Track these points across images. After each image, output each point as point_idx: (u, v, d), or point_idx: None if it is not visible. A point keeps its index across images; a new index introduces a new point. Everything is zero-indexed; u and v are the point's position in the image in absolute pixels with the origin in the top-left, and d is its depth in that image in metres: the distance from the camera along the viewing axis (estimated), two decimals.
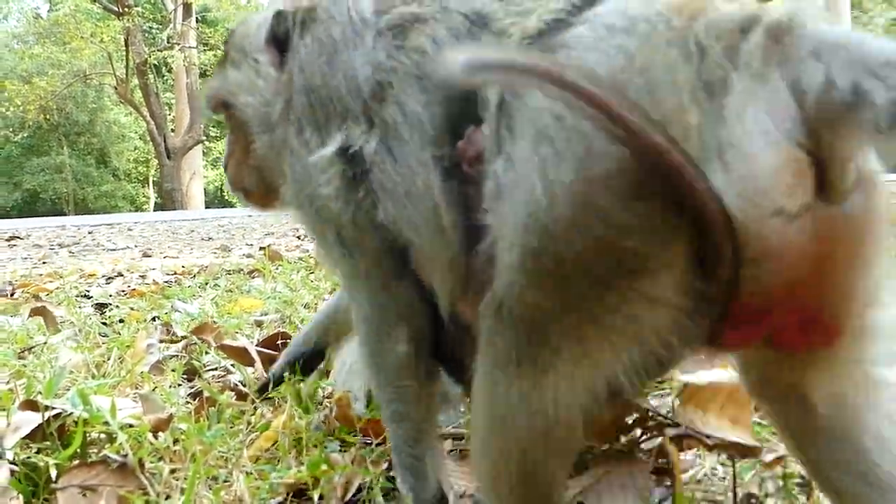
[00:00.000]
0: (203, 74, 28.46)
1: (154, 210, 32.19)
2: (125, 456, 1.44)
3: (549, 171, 0.90)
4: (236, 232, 10.64)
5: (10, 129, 29.49)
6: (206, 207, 27.45)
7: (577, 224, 0.88)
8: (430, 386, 1.35)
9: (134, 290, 4.46)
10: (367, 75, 1.23)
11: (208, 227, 12.14)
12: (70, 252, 8.42)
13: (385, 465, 1.59)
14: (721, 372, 1.65)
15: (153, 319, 3.35)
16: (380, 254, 1.28)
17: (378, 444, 1.63)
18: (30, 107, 28.43)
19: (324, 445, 1.61)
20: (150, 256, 7.26)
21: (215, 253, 7.11)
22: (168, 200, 26.13)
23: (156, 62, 29.51)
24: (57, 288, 4.71)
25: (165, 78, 31.77)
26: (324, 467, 1.49)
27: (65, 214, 22.57)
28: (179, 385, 2.39)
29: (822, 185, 0.87)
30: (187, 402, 2.07)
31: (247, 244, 8.10)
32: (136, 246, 8.93)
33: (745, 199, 0.84)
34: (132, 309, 3.66)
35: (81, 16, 29.35)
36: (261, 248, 6.79)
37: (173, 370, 2.48)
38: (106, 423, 1.56)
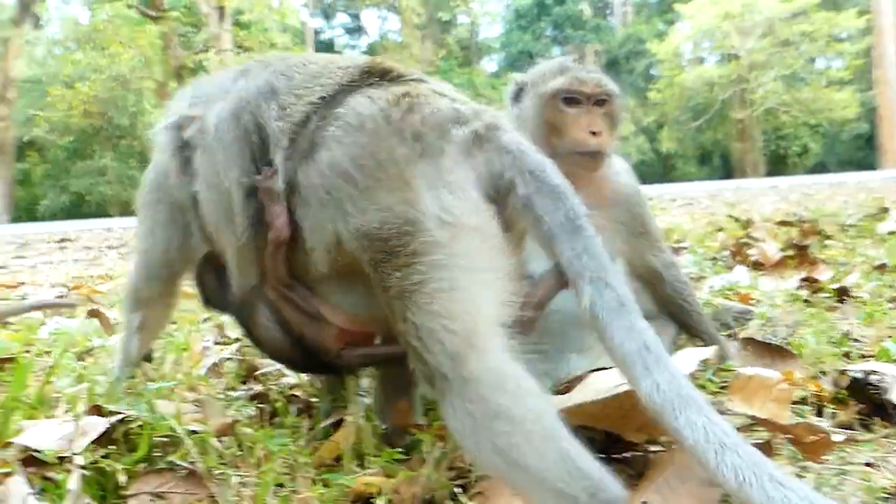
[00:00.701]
0: None
1: None
2: (193, 463, 1.44)
3: (329, 220, 1.42)
4: None
5: (56, 134, 30.03)
6: None
7: (360, 244, 1.37)
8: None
9: (183, 291, 4.48)
10: (208, 92, 1.73)
11: None
12: (118, 253, 8.54)
13: (452, 472, 1.56)
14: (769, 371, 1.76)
15: (205, 321, 3.36)
16: (176, 212, 1.81)
17: (443, 451, 1.60)
18: (73, 111, 28.95)
19: (388, 452, 1.59)
20: None
21: None
22: None
23: (192, 65, 29.81)
24: (108, 290, 4.76)
25: None
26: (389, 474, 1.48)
27: (110, 216, 22.93)
28: (234, 388, 2.39)
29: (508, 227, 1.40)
30: (244, 405, 2.06)
31: None
32: None
33: (472, 208, 1.35)
34: (183, 310, 3.67)
35: (119, 21, 29.75)
36: None
37: (229, 373, 2.49)
38: (171, 428, 1.55)
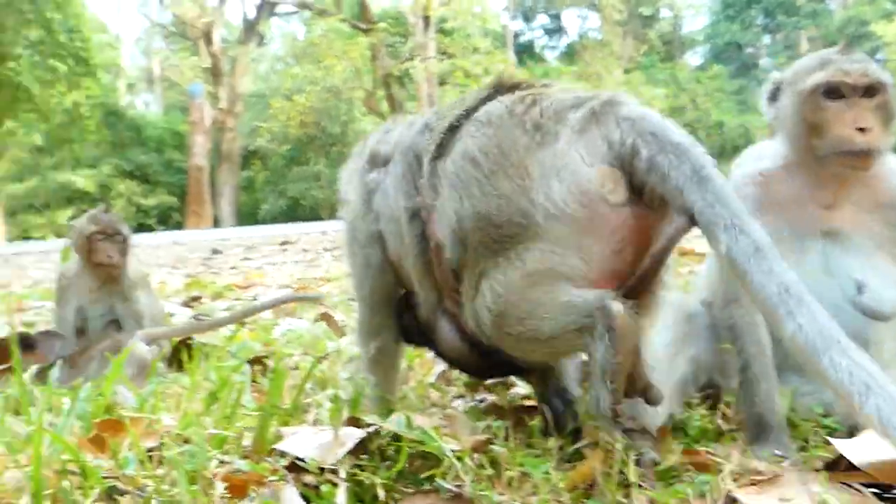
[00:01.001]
0: (442, 83, 29.44)
1: None
2: (460, 486, 1.40)
3: (455, 201, 1.60)
4: None
5: (276, 143, 32.44)
6: None
7: (476, 225, 1.55)
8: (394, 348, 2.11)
9: None
10: (386, 148, 1.98)
11: None
12: (333, 256, 8.99)
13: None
14: None
15: None
16: (377, 263, 1.99)
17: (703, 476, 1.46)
18: (291, 122, 31.13)
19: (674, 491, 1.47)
20: None
21: None
22: None
23: (398, 73, 31.00)
24: (328, 291, 4.99)
25: (408, 88, 33.32)
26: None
27: (322, 219, 24.37)
28: (463, 396, 2.37)
29: (640, 196, 1.48)
30: (490, 421, 2.02)
31: None
32: None
33: (578, 194, 1.45)
34: None
35: (333, 35, 31.57)
36: None
37: (457, 380, 2.48)
38: (428, 444, 1.52)
